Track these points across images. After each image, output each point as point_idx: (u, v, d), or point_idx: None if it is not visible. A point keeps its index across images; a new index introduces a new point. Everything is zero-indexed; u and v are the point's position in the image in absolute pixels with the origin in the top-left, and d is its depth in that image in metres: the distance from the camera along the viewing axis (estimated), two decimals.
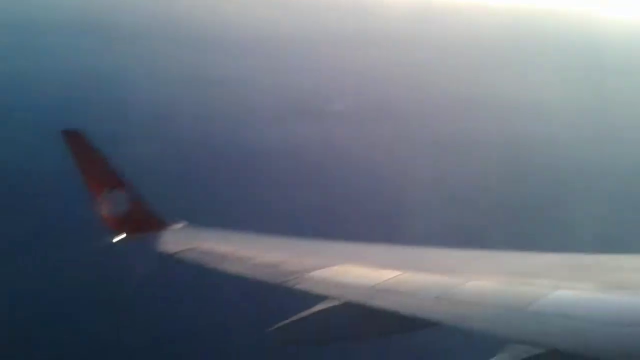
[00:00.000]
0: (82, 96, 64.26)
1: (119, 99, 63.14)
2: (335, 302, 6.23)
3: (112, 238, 10.57)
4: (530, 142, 57.04)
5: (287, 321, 6.45)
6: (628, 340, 4.15)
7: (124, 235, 10.58)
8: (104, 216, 10.57)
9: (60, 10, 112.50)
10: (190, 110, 61.88)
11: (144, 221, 10.66)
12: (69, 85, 68.61)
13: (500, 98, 69.89)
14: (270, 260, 8.01)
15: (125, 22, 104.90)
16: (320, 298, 6.47)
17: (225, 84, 72.28)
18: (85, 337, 29.17)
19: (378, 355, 21.59)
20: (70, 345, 28.48)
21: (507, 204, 43.58)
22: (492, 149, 54.93)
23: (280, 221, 36.71)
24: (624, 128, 60.19)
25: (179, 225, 10.88)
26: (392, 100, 69.08)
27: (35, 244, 41.21)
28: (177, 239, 10.11)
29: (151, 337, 28.85)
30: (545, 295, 4.99)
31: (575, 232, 34.84)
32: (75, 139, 10.13)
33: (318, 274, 7.04)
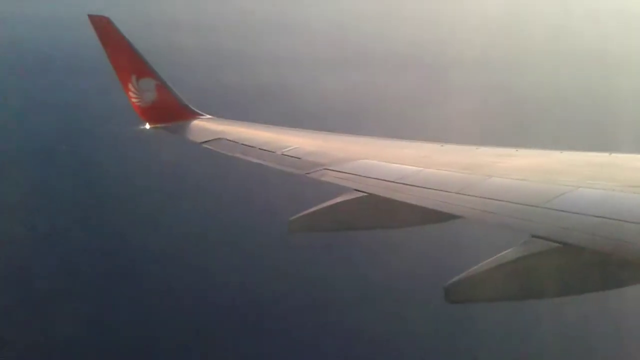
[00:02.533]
0: None
1: None
2: (358, 195, 6.43)
3: (142, 126, 10.78)
4: None
5: (309, 211, 6.67)
6: None
7: (153, 124, 10.78)
8: (132, 104, 10.70)
9: None
10: None
11: (172, 110, 10.80)
12: None
13: None
14: (295, 152, 8.19)
15: None
16: (343, 190, 6.68)
17: None
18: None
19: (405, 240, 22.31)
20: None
21: None
22: None
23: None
24: None
25: (207, 117, 11.01)
26: None
27: (66, 132, 42.52)
28: (205, 129, 10.31)
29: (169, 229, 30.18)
30: (566, 192, 5.09)
31: None
32: (102, 25, 10.05)
33: (342, 166, 7.22)
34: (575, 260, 4.64)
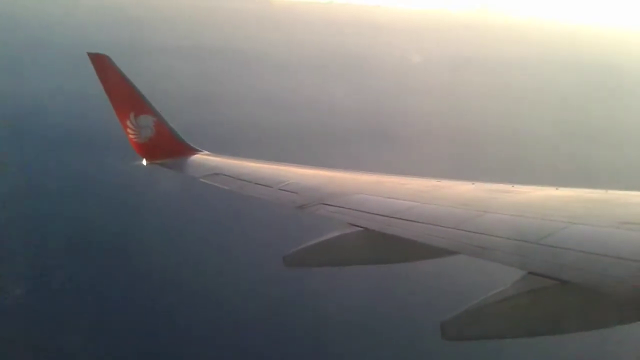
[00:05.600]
0: None
1: None
2: (355, 229, 6.42)
3: (139, 162, 10.83)
4: None
5: (304, 245, 6.66)
6: None
7: (150, 160, 10.84)
8: (130, 141, 10.78)
9: None
10: None
11: (170, 147, 10.87)
12: None
13: None
14: (292, 187, 8.23)
15: None
16: (339, 225, 6.66)
17: None
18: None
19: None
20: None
21: None
22: None
23: None
24: None
25: (204, 152, 11.08)
26: None
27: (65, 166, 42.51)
28: (202, 164, 10.36)
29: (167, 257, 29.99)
30: (562, 229, 5.08)
31: None
32: (101, 62, 10.21)
33: (338, 201, 7.24)
34: (572, 297, 4.61)
